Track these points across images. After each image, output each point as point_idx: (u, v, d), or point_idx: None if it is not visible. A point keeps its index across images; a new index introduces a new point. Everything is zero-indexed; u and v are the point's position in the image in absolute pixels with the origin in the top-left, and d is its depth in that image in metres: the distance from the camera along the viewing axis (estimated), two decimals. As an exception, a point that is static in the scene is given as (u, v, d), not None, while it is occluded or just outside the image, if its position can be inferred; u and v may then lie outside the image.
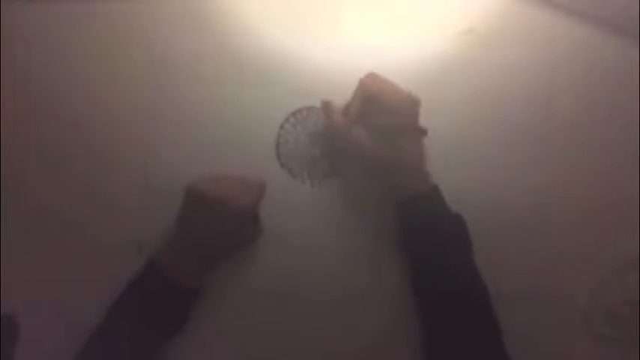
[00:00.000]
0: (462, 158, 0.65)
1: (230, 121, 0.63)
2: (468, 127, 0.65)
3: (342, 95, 0.62)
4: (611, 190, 0.66)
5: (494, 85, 0.66)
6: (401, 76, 0.61)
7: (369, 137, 0.56)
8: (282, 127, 0.63)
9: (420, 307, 0.58)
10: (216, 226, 0.54)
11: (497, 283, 0.57)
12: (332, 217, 0.62)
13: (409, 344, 0.59)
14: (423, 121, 0.60)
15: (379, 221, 0.62)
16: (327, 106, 0.60)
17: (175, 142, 0.62)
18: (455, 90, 0.66)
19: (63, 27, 0.63)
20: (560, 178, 0.66)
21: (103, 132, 0.62)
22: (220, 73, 0.64)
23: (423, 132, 0.57)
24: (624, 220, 0.65)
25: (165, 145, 0.62)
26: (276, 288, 0.60)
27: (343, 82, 0.62)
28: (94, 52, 0.63)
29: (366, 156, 0.58)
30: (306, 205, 0.63)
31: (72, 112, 0.62)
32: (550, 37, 0.68)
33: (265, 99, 0.64)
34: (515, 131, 0.66)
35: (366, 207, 0.63)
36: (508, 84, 0.66)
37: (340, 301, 0.61)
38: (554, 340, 0.63)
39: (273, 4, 0.65)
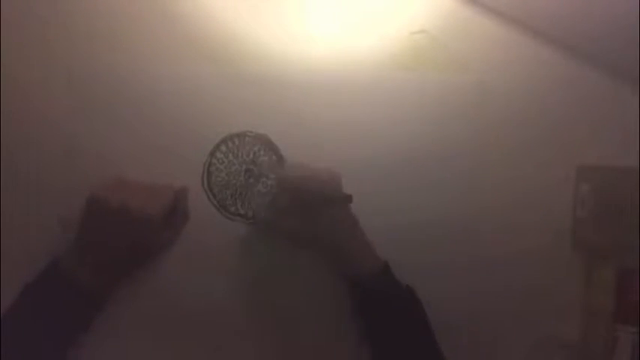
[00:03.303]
0: (410, 154, 0.69)
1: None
2: (417, 124, 0.69)
3: (300, 85, 0.66)
4: (542, 199, 0.70)
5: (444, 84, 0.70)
6: (355, 69, 0.67)
7: (302, 223, 0.60)
8: (212, 154, 0.64)
9: None
10: (118, 235, 0.56)
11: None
12: (266, 248, 0.66)
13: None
14: (373, 116, 0.65)
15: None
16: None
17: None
18: (404, 87, 0.69)
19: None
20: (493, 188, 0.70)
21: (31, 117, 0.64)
22: (176, 55, 0.66)
23: (347, 199, 0.60)
24: (557, 234, 0.71)
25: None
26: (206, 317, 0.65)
27: (303, 72, 0.66)
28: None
29: (304, 242, 0.62)
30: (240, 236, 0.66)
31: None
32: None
33: (224, 86, 0.66)
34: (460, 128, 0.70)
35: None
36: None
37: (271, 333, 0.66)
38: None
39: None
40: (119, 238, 0.56)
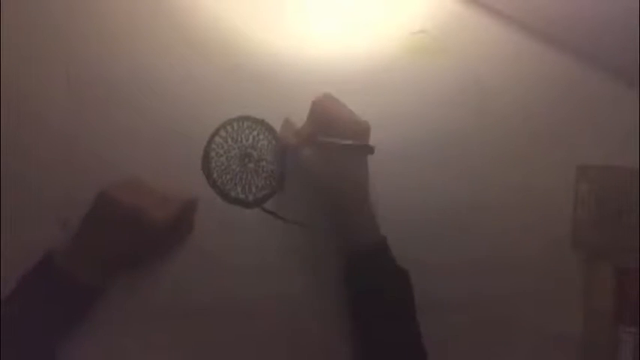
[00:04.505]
0: (408, 150, 0.69)
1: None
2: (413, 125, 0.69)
3: (294, 83, 0.66)
4: (542, 199, 0.70)
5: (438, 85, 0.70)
6: (354, 69, 0.68)
7: (317, 158, 0.59)
8: (212, 140, 0.64)
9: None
10: (120, 236, 0.56)
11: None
12: (267, 235, 0.66)
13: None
14: (372, 115, 0.64)
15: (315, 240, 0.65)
16: (285, 123, 0.64)
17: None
18: (403, 87, 0.69)
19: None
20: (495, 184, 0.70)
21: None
22: (175, 54, 0.65)
23: (369, 149, 0.60)
24: (557, 234, 0.70)
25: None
26: (206, 308, 0.64)
27: (298, 70, 0.67)
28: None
29: (312, 177, 0.61)
30: (240, 222, 0.65)
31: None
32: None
33: (223, 84, 0.66)
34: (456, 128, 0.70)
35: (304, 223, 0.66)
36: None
37: (272, 322, 0.65)
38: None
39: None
40: (120, 239, 0.56)
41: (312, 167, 0.60)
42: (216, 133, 0.65)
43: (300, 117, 0.66)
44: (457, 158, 0.69)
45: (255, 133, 0.66)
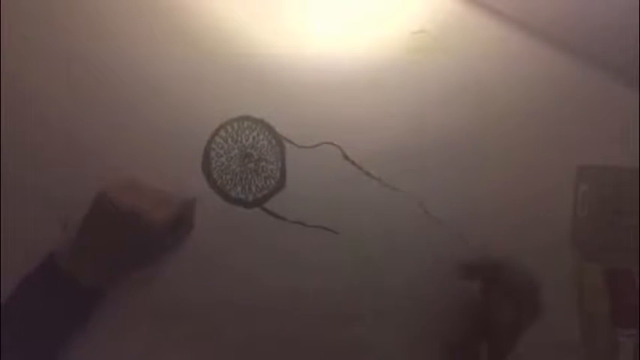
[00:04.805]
0: (409, 150, 0.69)
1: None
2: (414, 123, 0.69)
3: (294, 83, 0.66)
4: (542, 199, 0.70)
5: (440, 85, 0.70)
6: (354, 69, 0.67)
7: None
8: (212, 140, 0.65)
9: None
10: (120, 235, 0.56)
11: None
12: (267, 235, 0.65)
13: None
14: (372, 116, 0.66)
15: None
16: None
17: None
18: (403, 87, 0.69)
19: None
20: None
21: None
22: (176, 53, 0.66)
23: None
24: (557, 234, 0.70)
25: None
26: (206, 308, 0.64)
27: (298, 70, 0.67)
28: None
29: None
30: (240, 222, 0.65)
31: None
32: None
33: (224, 83, 0.66)
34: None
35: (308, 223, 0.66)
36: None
37: (273, 323, 0.65)
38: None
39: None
40: (120, 240, 0.56)
41: None
42: (216, 133, 0.65)
43: (300, 117, 0.67)
44: (457, 158, 0.69)
45: (255, 133, 0.66)
